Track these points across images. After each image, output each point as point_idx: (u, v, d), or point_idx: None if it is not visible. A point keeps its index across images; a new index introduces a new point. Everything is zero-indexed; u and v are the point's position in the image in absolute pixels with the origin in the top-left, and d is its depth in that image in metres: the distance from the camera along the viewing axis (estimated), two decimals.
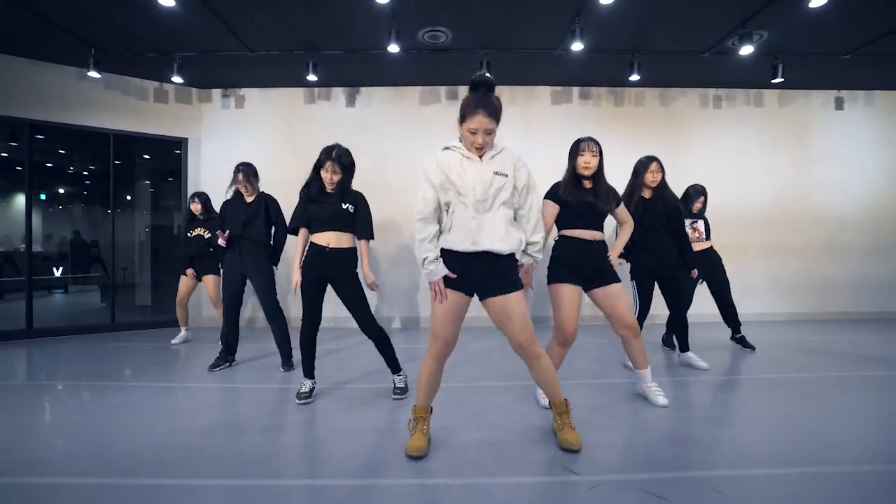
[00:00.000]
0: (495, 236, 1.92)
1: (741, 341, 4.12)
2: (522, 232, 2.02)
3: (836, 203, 5.84)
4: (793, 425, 2.37)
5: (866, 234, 5.84)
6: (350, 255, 2.83)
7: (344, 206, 2.80)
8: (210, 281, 4.50)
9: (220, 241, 3.43)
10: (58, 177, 6.13)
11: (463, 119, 1.94)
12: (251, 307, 5.59)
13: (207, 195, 4.59)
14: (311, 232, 2.84)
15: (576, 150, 2.56)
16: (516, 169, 2.00)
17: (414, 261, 5.56)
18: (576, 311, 2.48)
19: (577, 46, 4.15)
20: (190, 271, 4.52)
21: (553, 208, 2.55)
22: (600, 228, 2.60)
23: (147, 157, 6.11)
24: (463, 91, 5.65)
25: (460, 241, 1.92)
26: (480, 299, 2.03)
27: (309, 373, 2.85)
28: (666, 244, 3.31)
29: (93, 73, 4.54)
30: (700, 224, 4.08)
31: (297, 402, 2.75)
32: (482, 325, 5.07)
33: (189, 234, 4.47)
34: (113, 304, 5.36)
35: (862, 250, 5.83)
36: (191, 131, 5.64)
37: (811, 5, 3.48)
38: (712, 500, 1.67)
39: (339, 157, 2.81)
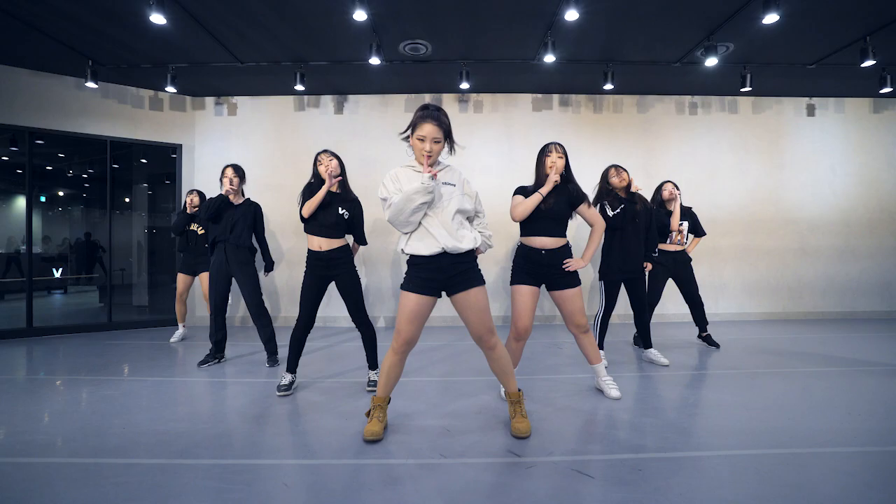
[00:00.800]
0: (451, 237, 2.15)
1: (707, 339, 4.33)
2: (475, 231, 2.29)
3: (806, 206, 6.05)
4: (728, 412, 2.59)
5: (836, 236, 6.05)
6: (347, 252, 3.08)
7: (340, 212, 3.03)
8: (206, 278, 4.66)
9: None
10: (58, 181, 6.36)
11: (413, 129, 2.16)
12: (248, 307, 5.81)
13: (204, 193, 4.80)
14: (309, 234, 3.03)
15: (543, 153, 2.76)
16: (463, 182, 2.28)
17: (399, 263, 5.78)
18: (529, 309, 2.70)
19: (549, 58, 4.36)
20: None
21: (521, 199, 2.72)
22: (561, 234, 2.76)
23: (144, 161, 6.33)
24: (447, 98, 5.90)
25: (425, 247, 2.16)
26: (448, 296, 2.25)
27: (292, 368, 3.06)
28: (636, 246, 3.53)
29: (90, 84, 4.77)
30: (685, 225, 4.22)
31: (278, 394, 2.97)
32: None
33: (188, 229, 4.61)
34: (110, 304, 5.59)
35: (832, 252, 6.05)
36: (185, 138, 5.86)
37: (764, 22, 3.68)
38: (633, 478, 1.89)
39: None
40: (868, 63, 4.40)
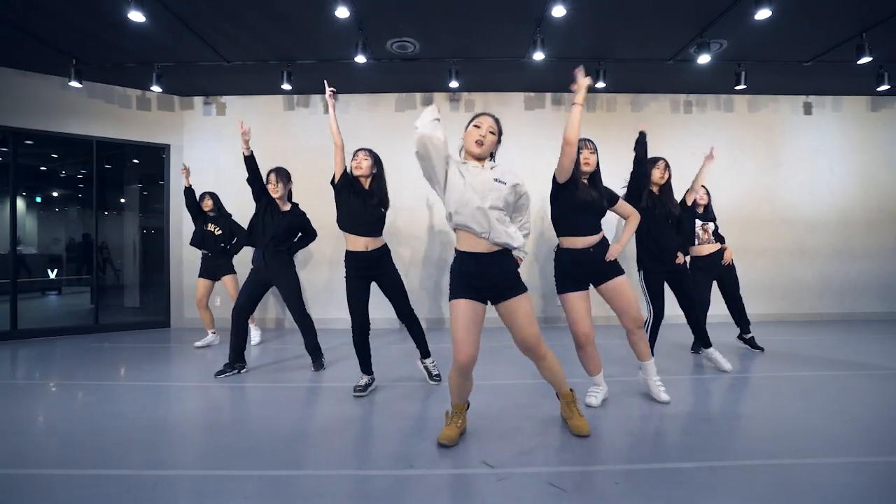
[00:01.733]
0: (499, 232, 2.07)
1: (749, 342, 4.19)
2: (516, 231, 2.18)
3: (804, 205, 5.96)
4: (711, 421, 2.51)
5: (834, 236, 5.95)
6: (388, 251, 3.07)
7: (382, 210, 3.06)
8: (230, 281, 4.56)
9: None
10: (44, 181, 6.32)
11: (470, 122, 2.16)
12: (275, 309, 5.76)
13: (217, 195, 4.70)
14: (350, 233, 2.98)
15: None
16: (515, 181, 2.17)
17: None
18: (587, 314, 2.61)
19: (538, 56, 4.28)
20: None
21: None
22: (598, 231, 2.65)
23: (137, 161, 6.28)
24: (438, 97, 5.82)
25: (471, 244, 2.10)
26: (493, 304, 2.17)
27: (367, 370, 3.05)
28: (669, 238, 3.34)
29: (74, 83, 4.71)
30: (710, 226, 4.07)
31: (354, 394, 2.95)
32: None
33: (205, 228, 4.54)
34: (96, 306, 5.53)
35: (829, 252, 5.95)
36: (173, 138, 5.80)
37: (757, 17, 3.60)
38: (612, 491, 1.81)
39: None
40: (864, 60, 4.30)
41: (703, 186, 4.05)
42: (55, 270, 7.18)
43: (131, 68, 4.98)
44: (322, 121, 5.82)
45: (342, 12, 3.53)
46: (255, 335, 4.73)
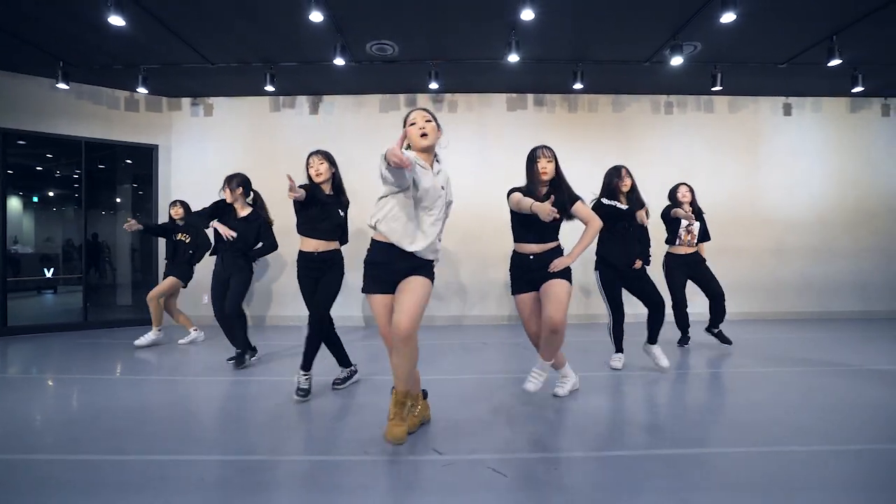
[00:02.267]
0: (427, 243, 2.11)
1: (718, 335, 4.30)
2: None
3: (783, 206, 6.02)
4: (651, 412, 2.59)
5: (813, 235, 6.02)
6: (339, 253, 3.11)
7: (341, 215, 3.09)
8: (170, 282, 4.58)
9: (229, 235, 3.55)
10: (36, 181, 6.42)
11: (405, 123, 2.19)
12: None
13: (188, 203, 4.73)
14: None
15: (532, 159, 2.67)
16: (447, 185, 2.26)
17: None
18: (535, 315, 2.68)
19: (513, 58, 4.36)
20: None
21: (520, 196, 2.59)
22: (554, 239, 2.69)
23: (129, 161, 6.37)
24: (421, 98, 5.91)
25: (395, 235, 2.09)
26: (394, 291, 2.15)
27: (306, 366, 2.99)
28: (630, 244, 3.42)
29: (61, 85, 4.81)
30: (695, 227, 4.08)
31: (296, 398, 2.87)
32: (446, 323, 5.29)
33: (174, 238, 4.59)
34: (85, 303, 5.62)
35: (809, 252, 6.02)
36: (161, 139, 5.90)
37: (722, 21, 3.68)
38: (549, 476, 1.89)
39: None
40: (834, 62, 4.38)
41: (684, 184, 4.14)
42: (51, 269, 7.29)
43: (118, 70, 5.08)
44: (307, 122, 5.91)
45: (316, 16, 3.61)
46: (193, 335, 4.73)
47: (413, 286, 2.10)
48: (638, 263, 3.46)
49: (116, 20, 3.59)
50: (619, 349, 3.62)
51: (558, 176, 2.67)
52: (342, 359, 3.19)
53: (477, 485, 1.83)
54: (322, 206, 2.95)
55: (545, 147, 2.69)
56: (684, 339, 4.35)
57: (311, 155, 3.04)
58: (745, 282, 5.96)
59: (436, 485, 1.84)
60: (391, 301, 2.14)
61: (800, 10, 3.98)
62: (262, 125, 5.94)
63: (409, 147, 2.19)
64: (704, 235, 4.21)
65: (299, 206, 2.94)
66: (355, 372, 3.24)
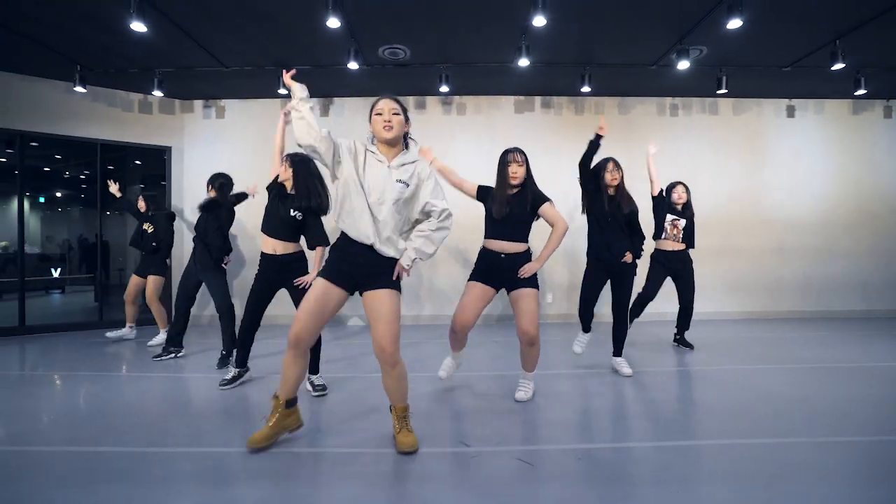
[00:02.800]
0: (381, 237, 2.05)
1: (681, 342, 4.32)
2: (407, 241, 2.15)
3: (786, 206, 6.12)
4: (658, 409, 2.68)
5: (814, 236, 6.12)
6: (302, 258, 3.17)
7: (293, 214, 3.08)
8: (154, 281, 4.61)
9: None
10: (51, 183, 6.51)
11: (371, 111, 2.10)
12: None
13: (154, 195, 4.89)
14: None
15: (503, 160, 2.76)
16: (422, 180, 2.12)
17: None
18: (475, 308, 2.74)
19: (524, 62, 4.45)
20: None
21: (471, 186, 2.87)
22: (523, 240, 2.77)
23: (139, 163, 6.46)
24: (431, 101, 6.00)
25: (353, 230, 2.05)
26: (359, 293, 2.14)
27: (241, 363, 3.16)
28: (622, 241, 3.40)
29: (78, 88, 4.89)
30: (681, 222, 4.07)
31: (220, 387, 3.06)
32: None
33: (141, 227, 4.70)
34: (101, 303, 5.72)
35: (810, 251, 6.12)
36: (174, 140, 5.99)
37: (729, 27, 3.77)
38: (574, 466, 1.99)
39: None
40: (838, 66, 4.47)
41: (681, 184, 4.17)
42: (58, 269, 7.38)
43: (133, 73, 5.17)
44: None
45: (333, 22, 3.70)
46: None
47: (384, 309, 2.05)
48: (628, 257, 3.38)
49: (138, 26, 3.67)
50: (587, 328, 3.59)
51: (529, 178, 2.77)
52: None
53: (508, 475, 1.92)
54: (278, 209, 3.03)
55: (518, 150, 2.77)
56: (679, 339, 4.30)
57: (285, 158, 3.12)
58: (746, 281, 6.07)
59: (467, 476, 1.93)
60: (336, 293, 2.08)
61: (804, 15, 4.08)
62: (273, 127, 5.93)
63: (373, 139, 2.14)
64: (690, 239, 4.14)
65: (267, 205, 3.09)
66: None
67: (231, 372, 3.14)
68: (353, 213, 2.05)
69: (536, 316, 2.67)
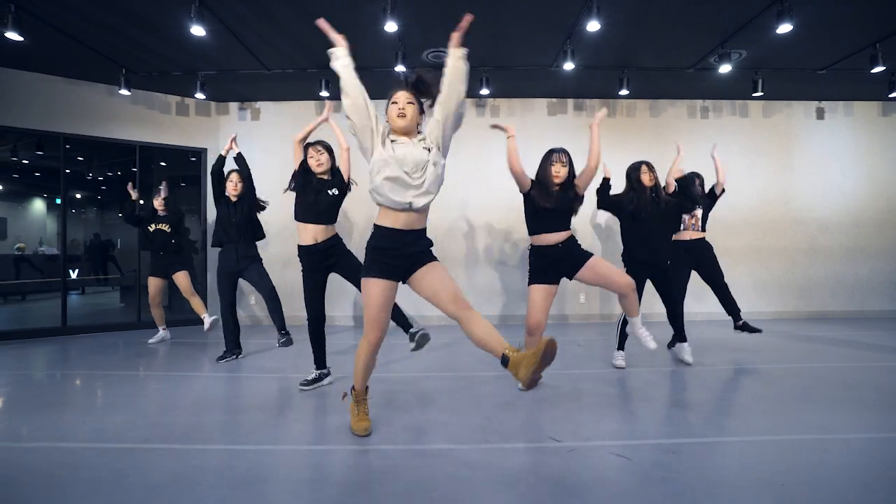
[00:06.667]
0: (427, 200, 2.11)
1: (744, 327, 4.01)
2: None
3: (816, 207, 6.18)
4: (758, 410, 2.73)
5: (845, 236, 6.17)
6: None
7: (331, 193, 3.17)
8: (182, 277, 4.69)
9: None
10: (88, 184, 6.56)
11: (388, 102, 2.22)
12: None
13: (166, 197, 4.80)
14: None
15: (547, 159, 2.94)
16: (430, 130, 2.21)
17: None
18: (543, 308, 2.88)
19: (568, 66, 4.51)
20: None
21: (527, 181, 2.99)
22: (569, 227, 2.95)
23: (165, 164, 6.50)
24: (466, 102, 6.03)
25: (391, 200, 2.08)
26: (406, 281, 2.18)
27: (320, 364, 3.21)
28: (661, 240, 3.51)
29: (123, 91, 4.94)
30: (699, 211, 4.03)
31: (300, 387, 3.10)
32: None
33: (150, 229, 4.70)
34: (139, 304, 5.75)
35: (841, 252, 6.17)
36: (209, 142, 6.04)
37: (778, 32, 3.83)
38: (668, 459, 2.04)
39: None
40: (878, 69, 4.53)
41: (694, 173, 4.09)
42: (76, 270, 7.42)
43: (175, 76, 5.22)
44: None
45: (391, 27, 3.75)
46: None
47: (438, 275, 2.13)
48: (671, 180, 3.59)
49: (198, 30, 3.73)
50: (622, 346, 3.65)
51: (571, 177, 2.94)
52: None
53: (604, 469, 1.97)
54: (316, 194, 3.07)
55: (563, 151, 2.94)
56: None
57: (309, 146, 3.21)
58: (779, 281, 6.12)
59: (565, 471, 1.98)
60: (391, 289, 2.14)
61: (846, 19, 4.14)
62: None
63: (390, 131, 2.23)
64: (705, 226, 4.09)
65: (298, 192, 3.12)
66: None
67: (312, 374, 3.18)
68: (390, 182, 2.07)
69: (618, 269, 2.93)
